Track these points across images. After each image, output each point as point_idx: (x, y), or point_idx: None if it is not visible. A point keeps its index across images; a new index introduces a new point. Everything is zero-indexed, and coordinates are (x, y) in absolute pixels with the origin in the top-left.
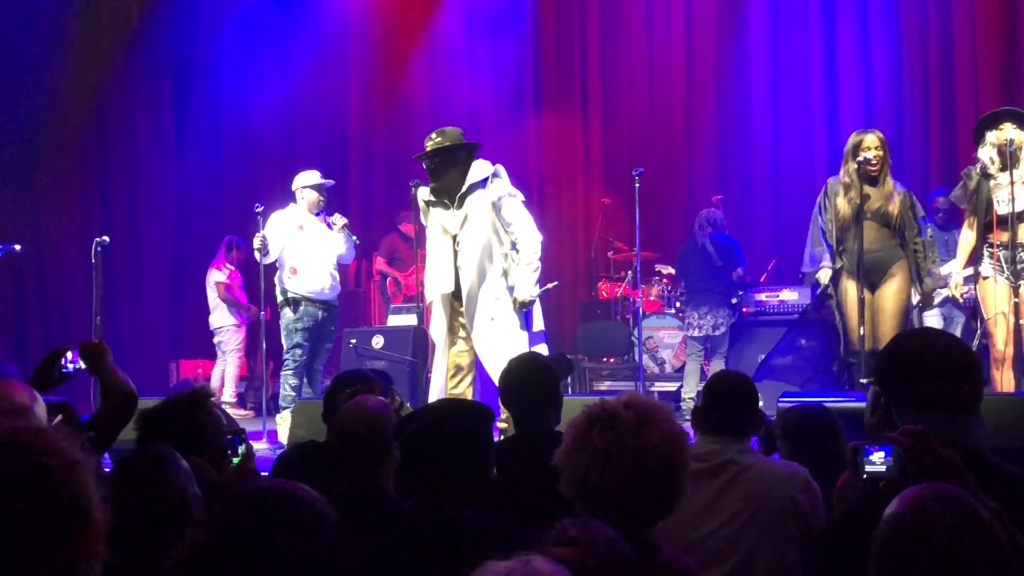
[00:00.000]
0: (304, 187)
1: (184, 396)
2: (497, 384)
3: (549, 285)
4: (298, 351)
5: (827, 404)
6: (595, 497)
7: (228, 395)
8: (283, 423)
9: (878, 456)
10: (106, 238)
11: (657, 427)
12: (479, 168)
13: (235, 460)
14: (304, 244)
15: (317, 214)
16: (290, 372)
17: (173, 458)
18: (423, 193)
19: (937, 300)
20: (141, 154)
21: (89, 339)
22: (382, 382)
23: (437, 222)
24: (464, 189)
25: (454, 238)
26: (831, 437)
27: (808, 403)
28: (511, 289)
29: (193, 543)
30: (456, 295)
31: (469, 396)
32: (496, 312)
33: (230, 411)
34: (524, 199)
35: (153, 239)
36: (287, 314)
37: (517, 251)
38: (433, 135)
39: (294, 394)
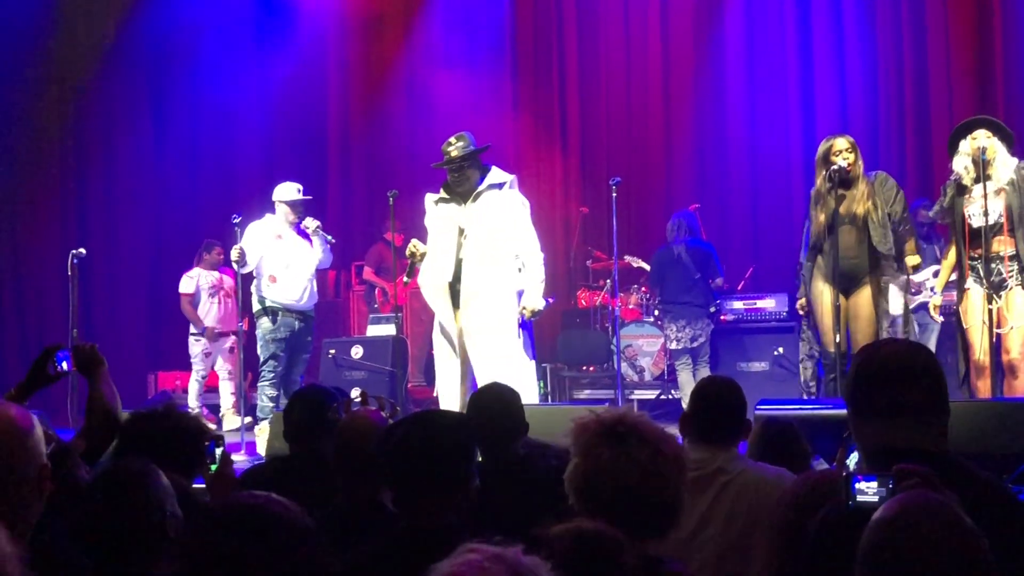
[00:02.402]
0: (280, 202)
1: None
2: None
3: (549, 299)
4: (274, 361)
5: (804, 410)
6: (621, 506)
7: (193, 405)
8: (261, 435)
9: (869, 486)
10: (82, 250)
11: (668, 434)
12: (498, 173)
13: (212, 467)
14: (282, 253)
15: (294, 226)
16: (267, 383)
17: (153, 475)
18: (431, 197)
19: (911, 306)
20: (118, 165)
21: (83, 344)
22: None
23: (445, 217)
24: (482, 188)
25: (461, 231)
26: (792, 439)
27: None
28: (519, 294)
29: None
30: (454, 293)
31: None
32: (496, 318)
33: None
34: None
35: (130, 251)
36: (264, 324)
37: (520, 259)
38: (453, 140)
39: (272, 405)
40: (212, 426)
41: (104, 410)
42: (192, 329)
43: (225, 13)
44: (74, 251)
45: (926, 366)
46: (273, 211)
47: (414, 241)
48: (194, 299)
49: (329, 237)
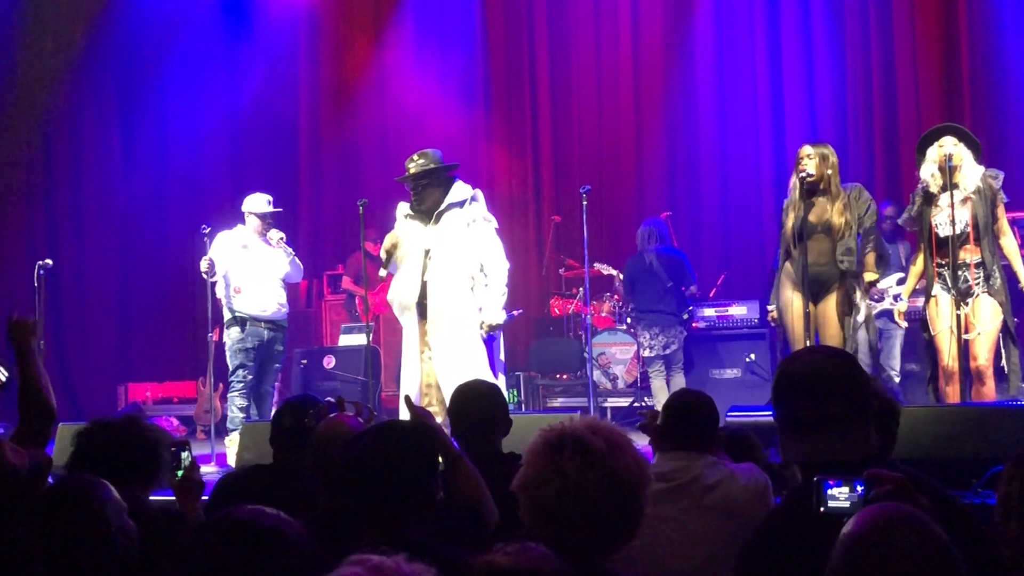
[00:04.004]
0: (250, 213)
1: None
2: (447, 412)
3: (515, 312)
4: (243, 371)
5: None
6: (563, 524)
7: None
8: (232, 446)
9: (840, 491)
10: (49, 261)
11: (625, 451)
12: (460, 189)
13: (179, 472)
14: (248, 264)
15: (262, 237)
16: (237, 393)
17: (101, 489)
18: (402, 209)
19: (874, 312)
20: (87, 176)
21: (20, 316)
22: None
23: (412, 236)
24: (443, 207)
25: (426, 252)
26: (748, 446)
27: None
28: (479, 310)
29: None
30: (421, 308)
31: (438, 414)
32: (460, 336)
33: None
34: (497, 227)
35: (99, 262)
36: (232, 334)
37: (485, 274)
38: (415, 157)
39: (242, 415)
40: None
41: (40, 401)
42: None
43: (194, 23)
44: (40, 262)
45: (840, 375)
46: (244, 221)
47: (392, 233)
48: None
49: (289, 250)
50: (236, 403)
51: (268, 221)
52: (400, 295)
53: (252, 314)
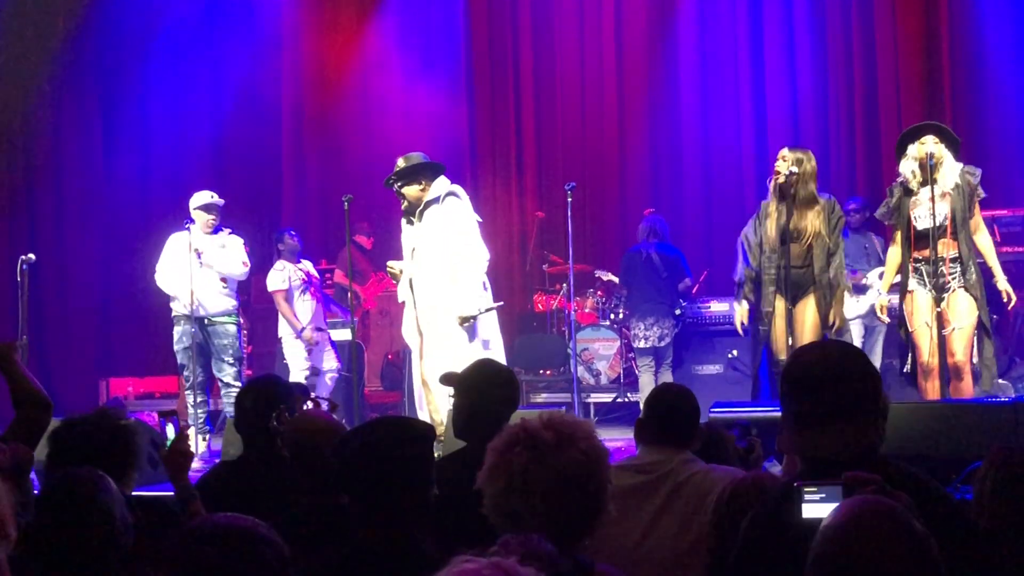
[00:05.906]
0: (193, 208)
1: (101, 413)
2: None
3: (495, 304)
4: (185, 370)
5: (758, 413)
6: (516, 517)
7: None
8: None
9: (820, 497)
10: (32, 256)
11: (576, 445)
12: (437, 186)
13: (167, 444)
14: (176, 264)
15: (214, 231)
16: (187, 392)
17: (101, 482)
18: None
19: (854, 314)
20: (68, 170)
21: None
22: (297, 393)
23: (405, 236)
24: (423, 205)
25: (412, 251)
26: (716, 441)
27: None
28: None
29: None
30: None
31: (435, 411)
32: (440, 330)
33: None
34: (480, 220)
35: (81, 256)
36: (173, 334)
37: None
38: (399, 160)
39: (191, 411)
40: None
41: (33, 404)
42: (284, 331)
43: (176, 16)
44: (23, 257)
45: (846, 372)
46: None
47: (390, 263)
48: (287, 296)
49: (208, 248)
50: (186, 400)
51: (208, 214)
52: (400, 292)
53: (181, 313)
